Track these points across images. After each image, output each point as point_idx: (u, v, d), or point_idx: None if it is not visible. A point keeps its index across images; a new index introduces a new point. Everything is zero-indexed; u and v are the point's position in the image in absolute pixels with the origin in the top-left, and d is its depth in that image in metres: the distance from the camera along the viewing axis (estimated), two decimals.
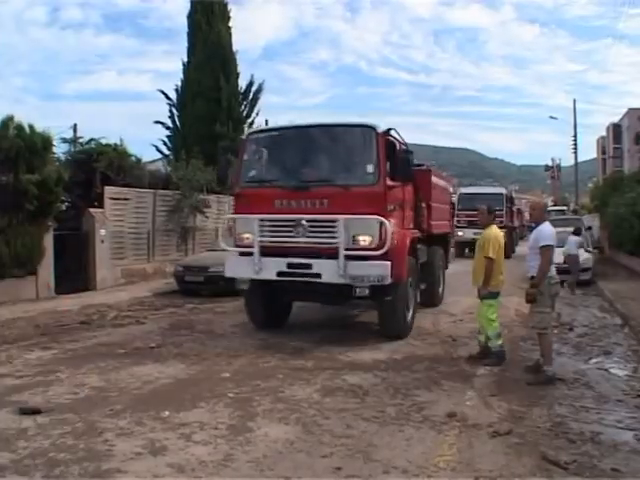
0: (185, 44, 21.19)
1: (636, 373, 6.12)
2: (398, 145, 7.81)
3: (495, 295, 6.48)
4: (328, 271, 6.89)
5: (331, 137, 7.73)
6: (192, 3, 20.78)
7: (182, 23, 21.24)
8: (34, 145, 11.20)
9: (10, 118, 11.28)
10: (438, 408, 4.91)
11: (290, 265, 7.14)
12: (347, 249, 6.86)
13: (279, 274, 7.21)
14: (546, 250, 5.67)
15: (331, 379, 5.73)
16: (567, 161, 54.83)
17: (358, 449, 4.03)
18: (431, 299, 10.16)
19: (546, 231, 5.81)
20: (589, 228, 19.74)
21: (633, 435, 4.33)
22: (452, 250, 22.97)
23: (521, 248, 20.89)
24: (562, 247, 12.07)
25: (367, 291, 6.95)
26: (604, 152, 58.57)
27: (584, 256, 13.86)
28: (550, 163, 56.08)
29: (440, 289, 10.80)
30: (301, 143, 7.79)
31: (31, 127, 11.46)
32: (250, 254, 7.36)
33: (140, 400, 5.14)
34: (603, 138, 60.41)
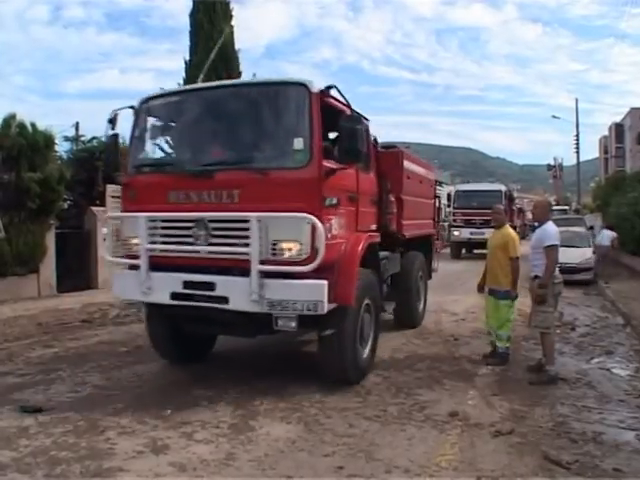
0: (187, 43, 21.21)
1: (638, 373, 6.10)
2: (342, 111, 5.35)
3: (517, 296, 6.42)
4: (237, 294, 4.83)
5: (246, 101, 5.46)
6: (194, 2, 20.76)
7: (184, 22, 21.17)
8: (36, 143, 11.22)
9: (12, 116, 11.30)
10: (440, 407, 4.90)
11: (187, 284, 5.08)
12: (264, 262, 4.76)
13: (173, 296, 5.14)
14: (551, 250, 5.66)
15: None
16: (569, 160, 54.90)
17: (360, 448, 4.02)
18: (407, 319, 8.31)
19: (550, 231, 5.80)
20: (591, 228, 19.74)
21: (635, 435, 4.32)
22: (450, 251, 22.42)
23: (523, 248, 20.81)
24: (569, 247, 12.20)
25: (294, 323, 4.83)
26: (606, 152, 58.47)
27: (587, 256, 13.88)
28: (552, 162, 56.08)
29: (420, 306, 8.79)
30: (206, 111, 5.59)
31: (33, 125, 11.49)
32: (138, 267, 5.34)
33: (142, 399, 5.14)
34: (605, 137, 60.32)
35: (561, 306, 8.29)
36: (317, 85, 5.07)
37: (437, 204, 10.63)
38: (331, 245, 4.97)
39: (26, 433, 4.28)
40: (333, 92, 5.25)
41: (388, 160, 7.21)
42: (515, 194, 34.26)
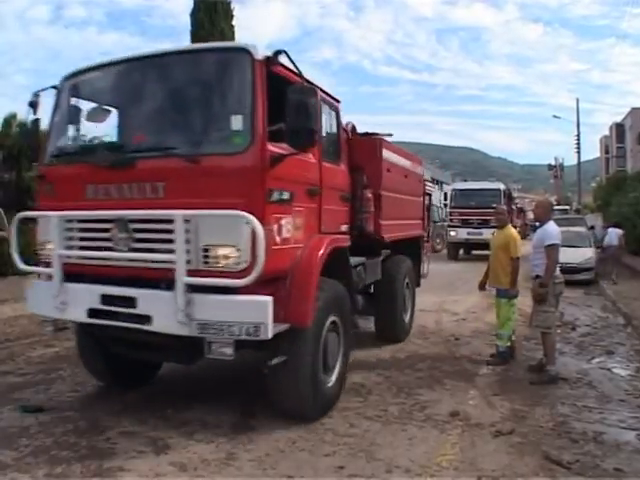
0: (188, 42, 21.23)
1: (639, 373, 6.10)
2: (294, 82, 4.22)
3: (517, 294, 6.45)
4: (162, 312, 3.93)
5: (176, 73, 4.52)
6: (195, 1, 20.79)
7: (185, 21, 21.22)
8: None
9: (13, 116, 11.36)
10: (441, 407, 4.90)
11: (106, 299, 4.18)
12: (193, 272, 3.86)
13: (91, 313, 4.26)
14: (552, 249, 5.66)
15: None
16: (570, 160, 55.00)
17: (361, 448, 4.02)
18: (391, 332, 7.27)
19: (551, 230, 5.80)
20: (592, 227, 19.73)
21: (635, 435, 4.32)
22: (447, 253, 21.53)
23: (524, 247, 20.65)
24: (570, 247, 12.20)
25: (230, 350, 3.88)
26: (607, 151, 58.51)
27: (587, 256, 13.88)
28: (553, 162, 56.12)
29: (407, 317, 7.67)
30: (131, 87, 4.63)
31: None
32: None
33: (142, 398, 5.14)
34: (606, 137, 60.36)
35: (562, 306, 8.28)
36: (262, 51, 4.12)
37: (428, 202, 9.57)
38: (281, 251, 4.15)
39: (27, 433, 4.28)
40: (284, 61, 4.25)
41: (364, 150, 6.16)
42: (515, 194, 34.12)
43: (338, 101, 5.64)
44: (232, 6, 21.46)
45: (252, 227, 3.70)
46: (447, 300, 10.75)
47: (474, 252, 20.97)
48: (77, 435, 4.22)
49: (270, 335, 3.81)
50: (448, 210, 22.86)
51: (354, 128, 6.50)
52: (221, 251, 3.86)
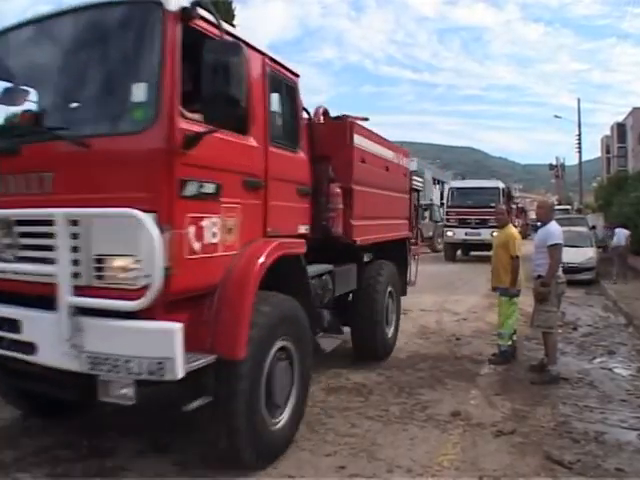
0: None
1: None
2: (215, 36, 3.30)
3: (519, 293, 6.45)
4: (48, 340, 3.08)
5: (73, 36, 3.53)
6: None
7: None
8: None
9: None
10: (442, 407, 4.89)
11: None
12: (82, 289, 3.03)
13: None
14: (555, 249, 5.66)
15: (335, 377, 5.71)
16: (571, 160, 55.21)
17: (362, 448, 4.02)
18: (370, 348, 6.20)
19: (554, 230, 5.80)
20: (593, 227, 19.70)
21: (637, 435, 4.32)
22: (444, 254, 20.85)
23: (524, 247, 20.52)
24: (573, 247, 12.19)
25: (130, 392, 3.04)
26: (608, 151, 58.38)
27: (589, 255, 13.87)
28: (554, 162, 56.13)
29: (390, 331, 6.63)
30: (26, 56, 3.72)
31: None
32: None
33: (143, 398, 5.13)
34: (607, 137, 60.24)
35: (563, 306, 8.26)
36: (177, 1, 3.16)
37: (416, 199, 8.59)
38: (201, 261, 3.26)
39: (28, 432, 4.29)
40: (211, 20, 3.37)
41: (331, 135, 5.17)
42: (517, 193, 34.05)
43: (297, 75, 4.66)
44: (233, 6, 21.46)
45: (149, 232, 2.83)
46: (448, 300, 10.73)
47: (473, 253, 20.52)
48: (78, 434, 4.21)
49: (180, 374, 2.92)
50: (445, 209, 22.26)
51: (326, 112, 5.69)
52: (117, 262, 3.01)
